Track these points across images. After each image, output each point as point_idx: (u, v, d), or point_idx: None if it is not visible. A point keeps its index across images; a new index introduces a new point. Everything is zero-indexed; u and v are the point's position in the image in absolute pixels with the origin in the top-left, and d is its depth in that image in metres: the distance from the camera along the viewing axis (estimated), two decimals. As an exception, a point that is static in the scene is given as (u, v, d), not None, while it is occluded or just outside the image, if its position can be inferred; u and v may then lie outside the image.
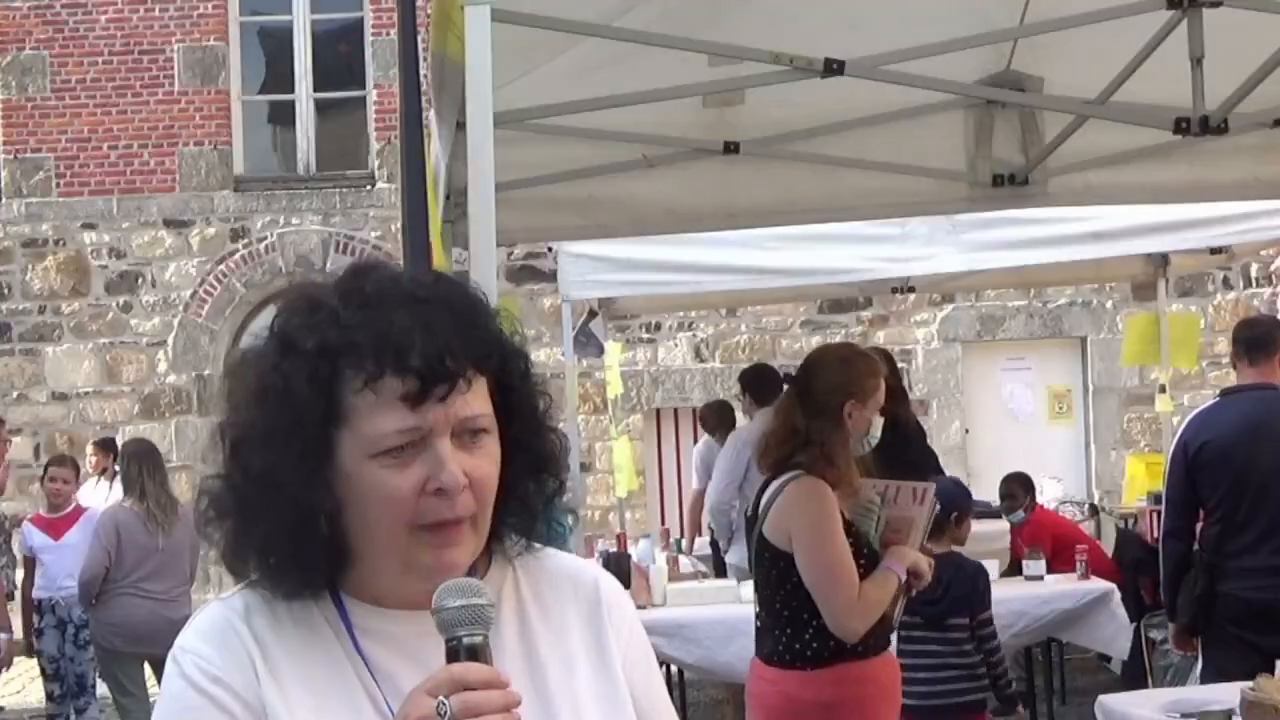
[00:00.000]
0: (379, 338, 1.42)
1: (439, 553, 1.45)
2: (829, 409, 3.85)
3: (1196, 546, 5.32)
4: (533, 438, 1.55)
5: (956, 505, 5.60)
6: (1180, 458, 5.31)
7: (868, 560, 3.79)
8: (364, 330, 1.43)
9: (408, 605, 1.46)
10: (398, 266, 1.61)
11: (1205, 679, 5.17)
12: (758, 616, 3.96)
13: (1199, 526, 5.34)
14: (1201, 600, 5.20)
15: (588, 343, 8.81)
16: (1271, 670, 4.61)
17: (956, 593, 5.33)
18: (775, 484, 3.87)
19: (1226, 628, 5.15)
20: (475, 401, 1.46)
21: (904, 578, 3.82)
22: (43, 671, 8.40)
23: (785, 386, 4.09)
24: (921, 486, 4.06)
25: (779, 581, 3.82)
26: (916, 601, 4.50)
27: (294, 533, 1.44)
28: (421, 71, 2.36)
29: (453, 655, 1.35)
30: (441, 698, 1.30)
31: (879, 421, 3.95)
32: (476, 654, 1.34)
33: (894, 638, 4.15)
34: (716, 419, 9.63)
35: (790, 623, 3.80)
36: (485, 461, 1.47)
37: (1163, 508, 5.56)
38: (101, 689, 8.15)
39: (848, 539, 3.75)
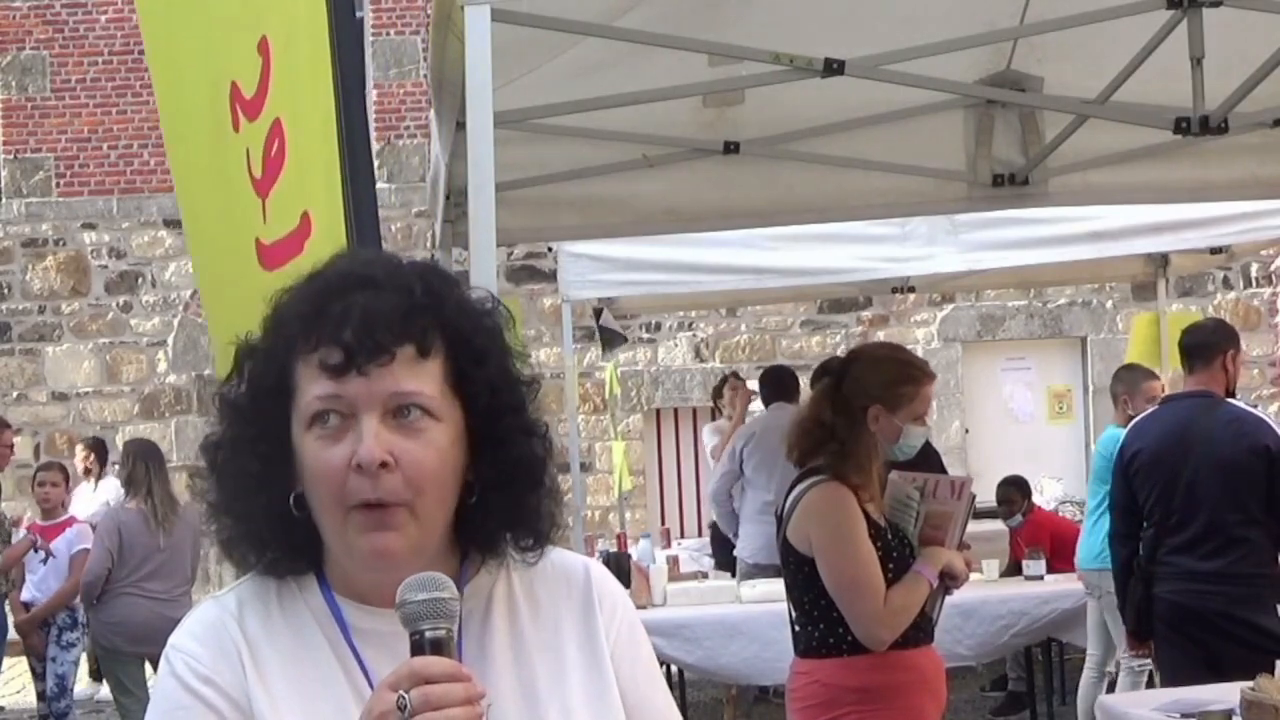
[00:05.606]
0: (321, 312, 1.46)
1: (370, 537, 1.43)
2: (852, 409, 3.75)
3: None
4: (498, 432, 1.50)
5: None
6: (1119, 465, 5.50)
7: (897, 562, 3.69)
8: (314, 306, 1.47)
9: (386, 602, 1.44)
10: (380, 254, 1.64)
11: (1164, 682, 5.27)
12: (793, 620, 3.84)
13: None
14: (1141, 605, 5.30)
15: (611, 337, 8.79)
16: (1217, 668, 4.69)
17: None
18: (799, 487, 3.77)
19: (1165, 630, 5.27)
20: (407, 379, 1.44)
21: (935, 582, 3.70)
22: (32, 670, 8.43)
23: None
24: (960, 480, 3.94)
25: (806, 584, 3.73)
26: None
27: (262, 508, 1.47)
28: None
29: (416, 649, 1.35)
30: (402, 691, 1.31)
31: (917, 431, 3.78)
32: (440, 648, 1.35)
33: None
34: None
35: (823, 619, 3.70)
36: (420, 445, 1.44)
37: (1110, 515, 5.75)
38: (102, 691, 8.14)
39: (876, 541, 3.65)
